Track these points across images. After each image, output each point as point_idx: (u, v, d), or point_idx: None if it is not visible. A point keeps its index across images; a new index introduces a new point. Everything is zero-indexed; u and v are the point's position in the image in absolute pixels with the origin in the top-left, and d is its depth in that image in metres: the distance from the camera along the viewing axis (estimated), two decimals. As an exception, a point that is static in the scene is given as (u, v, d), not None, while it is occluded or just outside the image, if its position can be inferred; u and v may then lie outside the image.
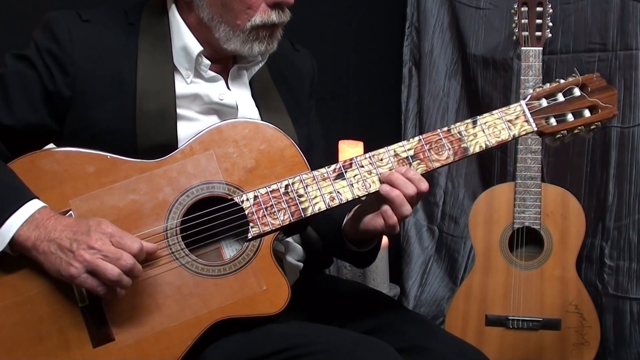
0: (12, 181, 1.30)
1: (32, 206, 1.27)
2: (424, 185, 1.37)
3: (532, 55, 2.46)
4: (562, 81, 1.48)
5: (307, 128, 1.64)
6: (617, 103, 1.47)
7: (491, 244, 2.54)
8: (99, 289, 1.23)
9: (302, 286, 1.55)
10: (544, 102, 1.46)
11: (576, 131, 1.47)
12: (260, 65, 1.55)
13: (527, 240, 2.53)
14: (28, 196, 1.28)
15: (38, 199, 1.29)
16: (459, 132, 1.42)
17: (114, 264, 1.22)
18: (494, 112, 1.44)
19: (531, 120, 1.44)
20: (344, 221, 1.53)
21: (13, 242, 1.25)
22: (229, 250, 1.39)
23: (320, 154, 1.68)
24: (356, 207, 1.49)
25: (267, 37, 1.45)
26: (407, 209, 1.36)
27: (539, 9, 2.46)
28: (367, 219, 1.43)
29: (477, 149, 1.42)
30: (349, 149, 2.74)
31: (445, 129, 1.43)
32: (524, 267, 2.50)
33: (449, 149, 1.41)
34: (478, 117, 1.44)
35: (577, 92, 1.47)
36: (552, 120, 1.45)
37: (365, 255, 1.56)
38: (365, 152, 1.42)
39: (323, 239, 1.59)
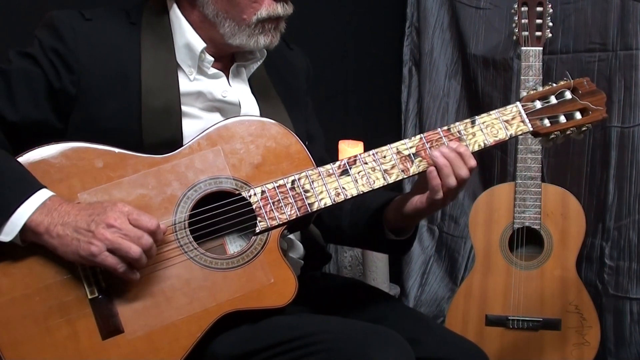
0: (21, 172, 1.30)
1: (42, 194, 1.27)
2: (473, 162, 1.42)
3: (532, 55, 2.47)
4: (554, 84, 1.52)
5: (305, 124, 1.66)
6: (606, 106, 1.51)
7: (491, 244, 2.54)
8: (118, 266, 1.24)
9: (303, 282, 1.55)
10: (538, 104, 1.50)
11: (568, 132, 1.51)
12: (259, 62, 1.56)
13: (527, 240, 2.53)
14: (37, 186, 1.28)
15: (47, 188, 1.29)
16: (459, 131, 1.45)
17: (136, 243, 1.23)
18: (491, 112, 1.48)
19: (527, 120, 1.48)
20: (385, 211, 1.54)
21: (25, 229, 1.25)
22: (233, 246, 1.40)
23: (321, 147, 1.71)
24: (397, 197, 1.52)
25: (272, 30, 1.47)
26: (452, 180, 1.39)
27: (539, 8, 2.47)
28: (415, 198, 1.45)
29: (476, 148, 1.45)
30: (349, 149, 2.73)
31: (446, 127, 1.46)
32: (524, 267, 2.50)
33: None
34: (476, 117, 1.47)
35: (568, 95, 1.51)
36: (546, 122, 1.49)
37: (403, 243, 1.57)
38: (366, 152, 1.44)
39: (357, 228, 1.60)
